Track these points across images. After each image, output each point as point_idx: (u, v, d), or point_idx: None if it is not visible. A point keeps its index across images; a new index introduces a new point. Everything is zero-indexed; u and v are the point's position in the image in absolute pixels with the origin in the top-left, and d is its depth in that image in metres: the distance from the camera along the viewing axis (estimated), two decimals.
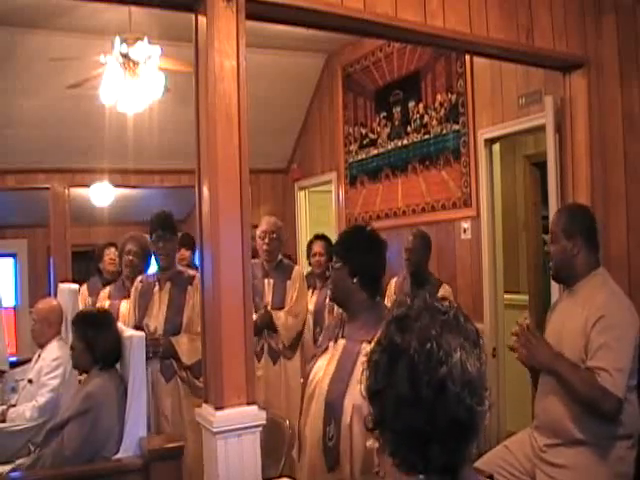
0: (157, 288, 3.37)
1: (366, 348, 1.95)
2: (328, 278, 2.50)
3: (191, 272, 3.53)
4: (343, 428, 1.94)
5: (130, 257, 3.88)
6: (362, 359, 1.98)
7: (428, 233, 4.05)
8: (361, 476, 1.89)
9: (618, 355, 2.12)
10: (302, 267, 4.60)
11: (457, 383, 0.95)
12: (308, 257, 4.61)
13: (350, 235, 2.23)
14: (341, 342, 2.11)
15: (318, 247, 4.44)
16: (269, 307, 3.79)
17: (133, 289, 3.48)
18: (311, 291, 4.27)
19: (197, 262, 5.25)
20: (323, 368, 2.11)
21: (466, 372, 0.96)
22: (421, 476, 0.99)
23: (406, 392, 0.96)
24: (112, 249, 4.70)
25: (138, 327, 3.19)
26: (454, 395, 0.95)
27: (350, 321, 2.12)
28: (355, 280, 2.07)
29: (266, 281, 3.87)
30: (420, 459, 0.98)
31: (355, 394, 1.92)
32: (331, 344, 2.16)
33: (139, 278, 3.52)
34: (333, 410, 1.98)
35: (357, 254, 2.09)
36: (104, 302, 4.00)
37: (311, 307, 4.18)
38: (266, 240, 3.86)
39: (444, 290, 3.85)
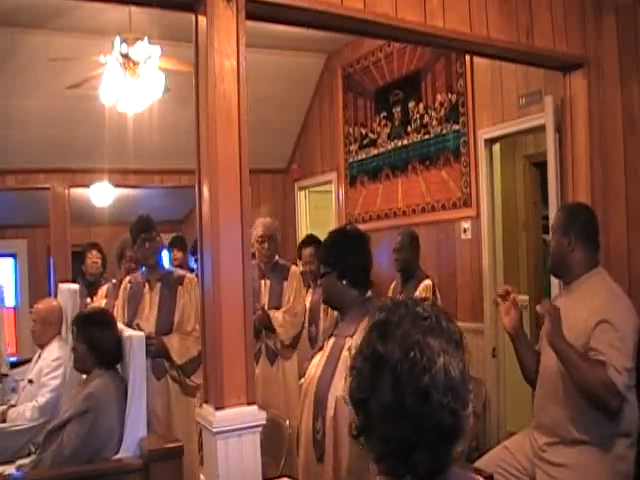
0: (147, 288, 3.37)
1: (349, 342, 2.03)
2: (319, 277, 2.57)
3: (181, 272, 3.55)
4: (327, 421, 2.02)
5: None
6: (345, 353, 2.06)
7: (417, 233, 4.12)
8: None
9: (624, 355, 2.12)
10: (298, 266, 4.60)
11: (440, 390, 0.95)
12: (300, 258, 4.61)
13: (332, 240, 2.30)
14: (331, 339, 2.20)
15: (308, 252, 4.43)
16: (265, 307, 3.78)
17: (122, 289, 3.46)
18: (305, 289, 4.26)
19: (190, 263, 5.27)
20: (315, 365, 2.20)
21: (449, 377, 0.96)
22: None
23: (390, 402, 0.96)
24: (94, 251, 4.69)
25: (128, 327, 3.18)
26: (438, 402, 0.95)
27: (342, 319, 2.21)
28: (345, 282, 2.16)
29: (262, 282, 3.87)
30: (406, 467, 0.98)
31: (338, 386, 2.01)
32: (326, 342, 2.24)
33: (127, 278, 3.51)
34: (320, 405, 2.07)
35: (342, 257, 2.18)
36: (101, 301, 4.00)
37: (306, 306, 4.18)
38: (265, 245, 3.85)
39: (424, 285, 3.89)
